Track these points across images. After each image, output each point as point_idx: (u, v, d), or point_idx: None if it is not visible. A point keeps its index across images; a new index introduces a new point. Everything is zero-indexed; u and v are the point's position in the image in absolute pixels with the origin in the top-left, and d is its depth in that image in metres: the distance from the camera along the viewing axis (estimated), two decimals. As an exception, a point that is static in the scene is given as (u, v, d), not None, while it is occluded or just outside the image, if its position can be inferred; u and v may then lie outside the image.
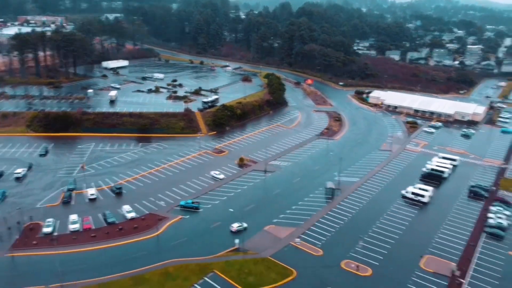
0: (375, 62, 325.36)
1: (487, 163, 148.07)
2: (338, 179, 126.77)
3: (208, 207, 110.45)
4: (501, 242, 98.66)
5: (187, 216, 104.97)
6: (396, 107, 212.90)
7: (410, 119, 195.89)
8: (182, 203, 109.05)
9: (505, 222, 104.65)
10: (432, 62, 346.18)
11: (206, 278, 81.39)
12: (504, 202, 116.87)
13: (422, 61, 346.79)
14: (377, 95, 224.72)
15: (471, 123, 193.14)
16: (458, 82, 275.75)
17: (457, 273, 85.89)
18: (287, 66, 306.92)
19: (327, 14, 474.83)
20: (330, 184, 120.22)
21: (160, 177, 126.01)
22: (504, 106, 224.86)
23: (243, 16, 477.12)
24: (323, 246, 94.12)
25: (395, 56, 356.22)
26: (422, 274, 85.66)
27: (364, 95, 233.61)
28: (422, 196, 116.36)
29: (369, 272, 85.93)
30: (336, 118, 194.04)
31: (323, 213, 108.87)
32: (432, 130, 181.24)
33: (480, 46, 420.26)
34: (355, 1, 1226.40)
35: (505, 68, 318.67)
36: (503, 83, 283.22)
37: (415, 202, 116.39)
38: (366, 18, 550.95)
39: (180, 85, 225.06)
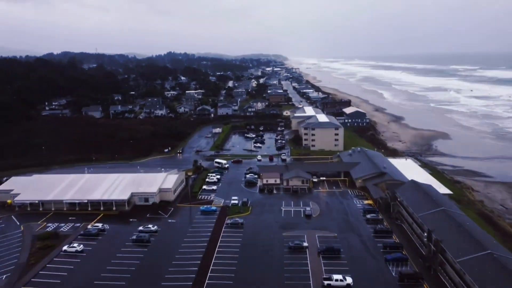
0: (65, 124, 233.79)
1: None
2: None
3: None
4: None
5: None
6: (40, 203, 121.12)
7: (50, 228, 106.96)
8: None
9: None
10: (142, 114, 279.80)
11: None
12: None
13: (129, 115, 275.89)
14: (10, 186, 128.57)
15: (161, 207, 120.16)
16: (166, 137, 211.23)
17: None
18: None
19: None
20: None
21: None
22: (221, 161, 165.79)
23: None
24: None
25: (96, 112, 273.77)
26: None
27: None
28: None
29: None
30: None
31: None
32: (81, 246, 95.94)
33: (201, 91, 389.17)
34: (89, 57, 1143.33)
35: (220, 111, 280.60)
36: (218, 129, 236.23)
37: None
38: (74, 71, 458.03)
39: None
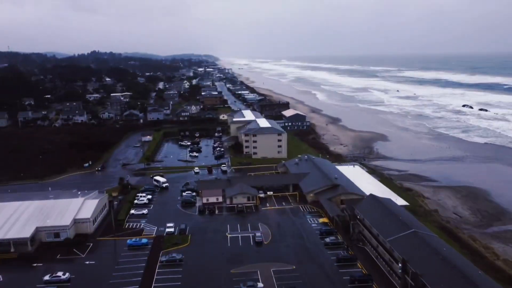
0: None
1: None
2: None
3: None
4: None
5: None
6: None
7: None
8: None
9: None
10: (59, 121, 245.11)
11: None
12: None
13: (42, 122, 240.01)
14: None
15: (76, 244, 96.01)
16: (87, 148, 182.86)
17: None
18: None
19: None
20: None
21: None
22: (160, 179, 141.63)
23: None
24: None
25: (0, 120, 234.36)
26: None
27: None
28: None
29: None
30: None
31: None
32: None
33: (128, 93, 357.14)
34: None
35: (151, 116, 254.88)
36: (148, 137, 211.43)
37: None
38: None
39: None
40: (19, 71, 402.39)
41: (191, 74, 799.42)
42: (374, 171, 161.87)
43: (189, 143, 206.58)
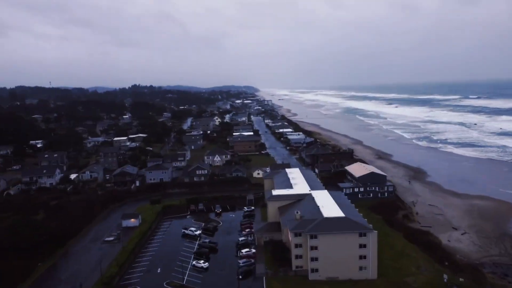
0: None
1: None
2: None
3: None
4: None
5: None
6: None
7: None
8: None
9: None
10: (18, 186, 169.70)
11: None
12: None
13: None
14: None
15: None
16: (19, 249, 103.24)
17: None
18: None
19: None
20: None
21: None
22: None
23: None
24: None
25: None
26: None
27: None
28: None
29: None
30: None
31: None
32: None
33: (142, 135, 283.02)
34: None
35: (150, 176, 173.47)
36: (133, 221, 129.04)
37: None
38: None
39: None
40: (15, 109, 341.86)
41: (228, 106, 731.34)
42: None
43: (198, 232, 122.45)
